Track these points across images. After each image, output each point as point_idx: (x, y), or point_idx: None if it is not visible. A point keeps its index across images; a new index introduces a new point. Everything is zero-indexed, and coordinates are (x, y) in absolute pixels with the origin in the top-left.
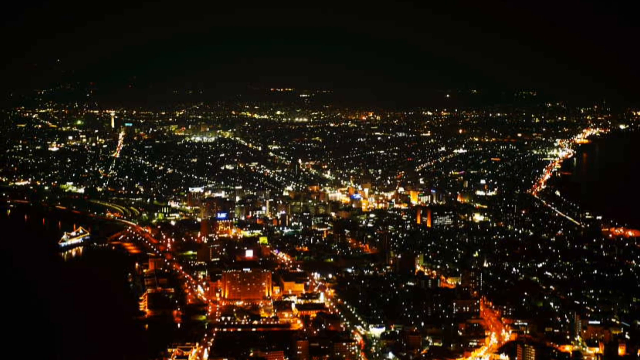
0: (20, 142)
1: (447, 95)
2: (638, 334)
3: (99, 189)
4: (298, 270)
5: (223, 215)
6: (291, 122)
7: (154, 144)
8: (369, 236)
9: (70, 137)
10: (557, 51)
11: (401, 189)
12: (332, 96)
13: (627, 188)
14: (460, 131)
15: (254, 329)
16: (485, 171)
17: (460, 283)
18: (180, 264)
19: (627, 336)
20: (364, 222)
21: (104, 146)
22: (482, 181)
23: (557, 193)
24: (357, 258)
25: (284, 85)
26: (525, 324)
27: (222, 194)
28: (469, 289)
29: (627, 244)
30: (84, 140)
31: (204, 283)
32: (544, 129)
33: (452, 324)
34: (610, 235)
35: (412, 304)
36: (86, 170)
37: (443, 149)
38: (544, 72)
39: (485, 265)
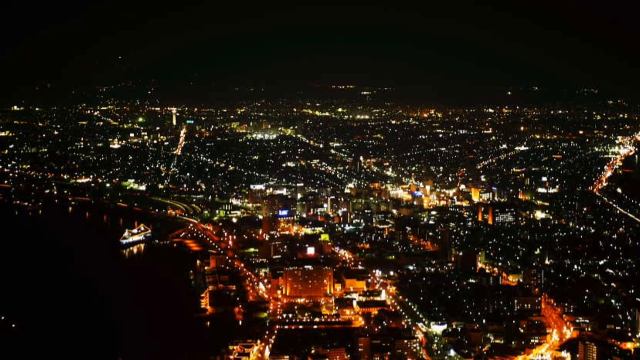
0: (82, 139)
1: (509, 93)
2: None
3: (160, 186)
4: (359, 267)
5: (284, 212)
6: (352, 120)
7: (215, 141)
8: (430, 233)
9: (132, 135)
10: (619, 48)
11: (462, 186)
12: (394, 93)
13: None
14: (522, 128)
15: (315, 326)
16: (547, 168)
17: (521, 280)
18: (242, 261)
19: None
20: (425, 220)
21: (166, 143)
22: (544, 178)
23: (619, 190)
24: (418, 255)
25: (346, 82)
26: (587, 321)
27: (284, 191)
28: (530, 286)
29: None
30: (146, 137)
31: (266, 280)
32: (605, 127)
33: (514, 321)
34: None
35: (473, 301)
36: (147, 168)
37: (504, 146)
38: (606, 70)
39: (547, 262)
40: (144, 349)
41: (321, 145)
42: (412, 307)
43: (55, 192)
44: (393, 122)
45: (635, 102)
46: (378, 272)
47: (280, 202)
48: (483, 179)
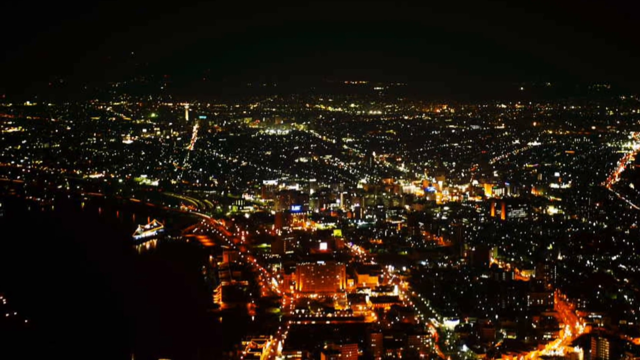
0: (95, 134)
1: (521, 88)
2: None
3: (173, 181)
4: (372, 262)
5: (297, 208)
6: (365, 115)
7: (228, 136)
8: (443, 229)
9: (145, 130)
10: (631, 44)
11: (475, 182)
12: (406, 89)
13: None
14: (534, 124)
15: (328, 322)
16: (559, 164)
17: (534, 276)
18: (255, 256)
19: None
20: (438, 215)
21: (178, 139)
22: (556, 174)
23: (631, 186)
24: (431, 251)
25: (358, 78)
26: (600, 316)
27: (296, 187)
28: (543, 281)
29: None
30: (158, 132)
31: (278, 276)
32: (618, 122)
33: (526, 317)
34: None
35: (486, 296)
36: (160, 163)
37: (517, 141)
38: (618, 65)
39: (559, 257)
40: (157, 344)
41: (334, 141)
42: (425, 302)
43: (67, 188)
44: (406, 117)
45: None
46: (391, 268)
47: (292, 198)
48: (495, 175)
